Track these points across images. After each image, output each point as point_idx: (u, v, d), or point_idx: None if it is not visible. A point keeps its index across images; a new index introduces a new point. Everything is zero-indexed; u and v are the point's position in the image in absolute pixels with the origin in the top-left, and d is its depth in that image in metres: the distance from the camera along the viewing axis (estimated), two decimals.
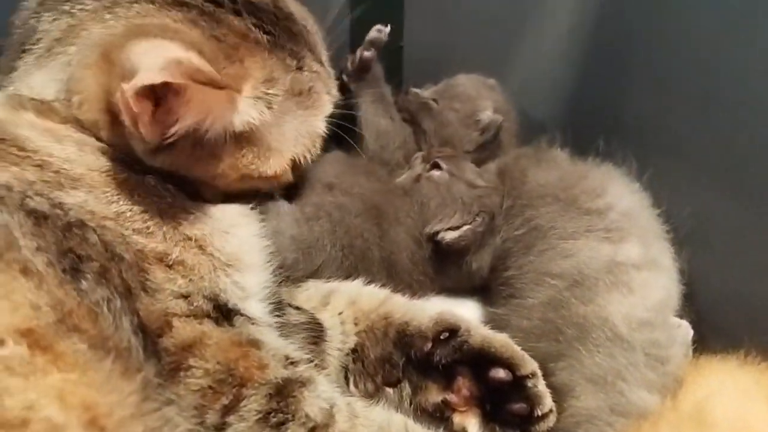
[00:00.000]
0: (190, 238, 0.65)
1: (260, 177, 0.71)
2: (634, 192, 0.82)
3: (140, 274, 0.60)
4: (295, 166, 0.74)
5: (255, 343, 0.61)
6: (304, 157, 0.74)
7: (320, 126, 0.75)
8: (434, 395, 0.70)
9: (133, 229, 0.62)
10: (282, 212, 0.79)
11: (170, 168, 0.66)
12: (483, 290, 0.87)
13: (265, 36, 0.68)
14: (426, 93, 0.99)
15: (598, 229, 0.78)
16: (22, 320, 0.48)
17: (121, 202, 0.63)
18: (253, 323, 0.64)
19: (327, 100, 0.75)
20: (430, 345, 0.70)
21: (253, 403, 0.57)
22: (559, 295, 0.75)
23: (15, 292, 0.50)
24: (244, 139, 0.68)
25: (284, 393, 0.58)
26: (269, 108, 0.67)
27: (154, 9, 0.67)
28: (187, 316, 0.60)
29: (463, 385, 0.70)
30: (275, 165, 0.71)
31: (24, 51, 0.70)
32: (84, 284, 0.55)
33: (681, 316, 0.75)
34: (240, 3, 0.68)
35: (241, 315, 0.64)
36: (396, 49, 0.99)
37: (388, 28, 0.90)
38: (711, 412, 0.62)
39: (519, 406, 0.68)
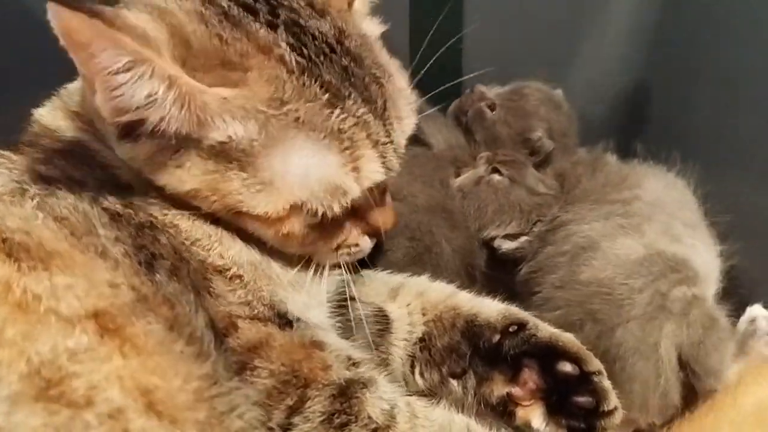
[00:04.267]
0: (250, 263, 0.66)
1: (249, 214, 0.62)
2: (670, 185, 0.83)
3: (204, 281, 0.62)
4: (297, 213, 0.63)
5: (318, 345, 0.62)
6: (314, 209, 0.62)
7: (348, 182, 0.62)
8: (499, 387, 0.71)
9: (191, 242, 0.63)
10: None
11: (136, 165, 0.62)
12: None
13: (297, 58, 0.60)
14: (491, 93, 1.00)
15: (617, 215, 0.79)
16: (98, 299, 0.52)
17: (177, 216, 0.64)
18: (315, 327, 0.65)
19: (369, 159, 0.63)
20: (498, 336, 0.71)
21: (317, 404, 0.59)
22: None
23: (94, 272, 0.54)
24: (230, 158, 0.60)
25: (347, 394, 0.60)
26: (263, 130, 0.59)
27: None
28: (251, 318, 0.62)
29: (529, 377, 0.70)
30: (267, 203, 0.61)
31: None
32: (158, 277, 0.58)
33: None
34: (281, 19, 0.62)
35: (303, 321, 0.65)
36: (456, 51, 1.00)
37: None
38: None
39: (585, 400, 0.68)
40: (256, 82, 0.59)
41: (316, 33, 0.62)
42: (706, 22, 0.89)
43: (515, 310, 0.74)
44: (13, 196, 0.58)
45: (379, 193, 0.68)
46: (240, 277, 0.64)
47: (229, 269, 0.63)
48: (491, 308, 0.74)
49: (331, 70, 0.61)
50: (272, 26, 0.61)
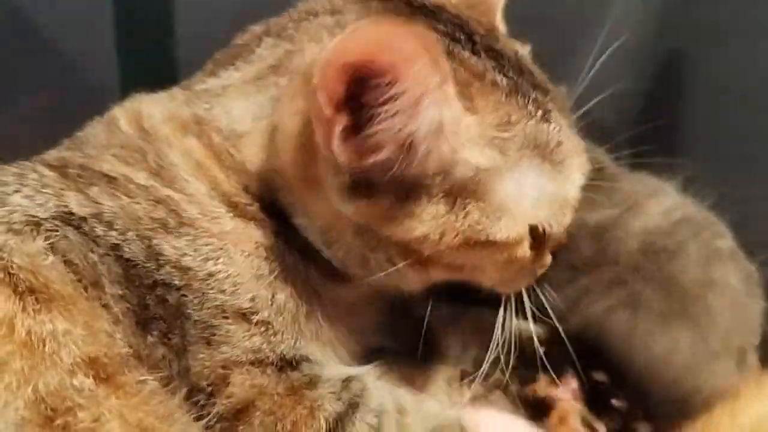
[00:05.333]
0: (290, 312, 0.62)
1: (488, 242, 0.58)
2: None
3: (206, 330, 0.59)
4: (536, 235, 0.61)
5: (311, 384, 0.61)
6: (549, 226, 0.61)
7: (570, 191, 0.61)
8: (542, 387, 0.72)
9: (219, 290, 0.59)
10: None
11: (365, 220, 0.58)
12: None
13: (504, 79, 0.58)
14: None
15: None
16: (95, 348, 0.52)
17: (219, 261, 0.60)
18: (315, 363, 0.63)
19: (576, 166, 0.62)
20: (544, 348, 0.71)
21: None
22: None
23: (94, 320, 0.54)
24: (467, 191, 0.57)
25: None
26: (501, 155, 0.56)
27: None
28: (252, 364, 0.59)
29: (571, 380, 0.72)
30: (508, 227, 0.58)
31: (230, 66, 0.66)
32: (150, 339, 0.57)
33: None
34: (480, 44, 0.60)
35: (305, 363, 0.62)
36: None
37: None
38: None
39: (620, 403, 0.70)
40: (483, 108, 0.56)
41: (508, 54, 0.62)
42: (709, 26, 0.88)
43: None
44: (29, 228, 0.56)
45: None
46: (267, 323, 0.61)
47: (256, 313, 0.60)
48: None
49: (531, 86, 0.60)
50: (476, 53, 0.59)
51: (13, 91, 0.89)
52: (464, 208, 0.57)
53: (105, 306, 0.55)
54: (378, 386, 0.64)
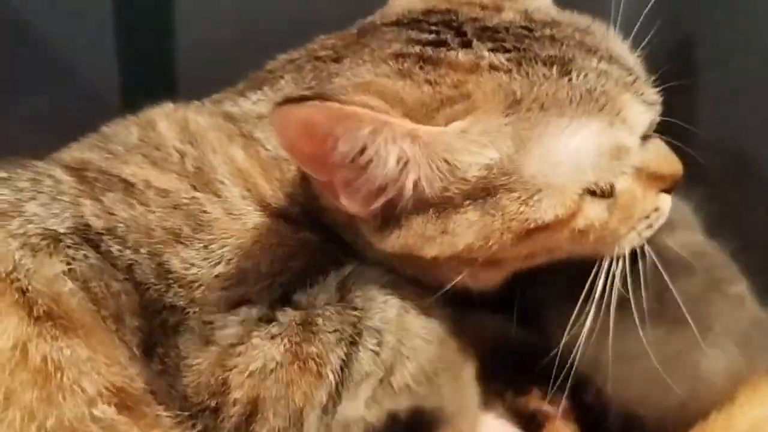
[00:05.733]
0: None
1: (541, 227, 0.56)
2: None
3: (205, 331, 0.58)
4: (589, 200, 0.57)
5: (307, 325, 0.59)
6: (605, 185, 0.57)
7: (623, 137, 0.57)
8: (535, 402, 0.70)
9: (222, 287, 0.59)
10: None
11: (407, 250, 0.58)
12: None
13: (505, 55, 0.57)
14: None
15: None
16: (117, 378, 0.51)
17: (232, 261, 0.60)
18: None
19: (630, 103, 0.57)
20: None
21: (313, 421, 0.57)
22: None
23: (115, 351, 0.53)
24: (492, 187, 0.55)
25: (341, 379, 0.57)
26: (515, 138, 0.54)
27: (365, 69, 0.60)
28: (241, 342, 0.57)
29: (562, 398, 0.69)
30: (554, 206, 0.55)
31: (258, 90, 0.68)
32: (153, 367, 0.57)
33: None
34: (470, 33, 0.60)
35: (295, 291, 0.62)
36: None
37: None
38: None
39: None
40: (481, 101, 0.55)
41: (507, 25, 0.60)
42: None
43: None
44: (45, 242, 0.55)
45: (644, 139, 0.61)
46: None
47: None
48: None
49: (542, 45, 0.58)
50: (466, 44, 0.59)
51: (12, 93, 0.89)
52: (497, 205, 0.55)
53: (123, 340, 0.55)
54: (379, 299, 0.61)
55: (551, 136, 0.55)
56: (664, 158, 0.63)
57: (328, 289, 0.61)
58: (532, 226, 0.55)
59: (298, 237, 0.62)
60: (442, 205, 0.55)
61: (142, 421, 0.50)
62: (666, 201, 0.65)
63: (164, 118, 0.67)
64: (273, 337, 0.58)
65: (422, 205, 0.55)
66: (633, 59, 0.62)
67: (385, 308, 0.60)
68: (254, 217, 0.61)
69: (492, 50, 0.58)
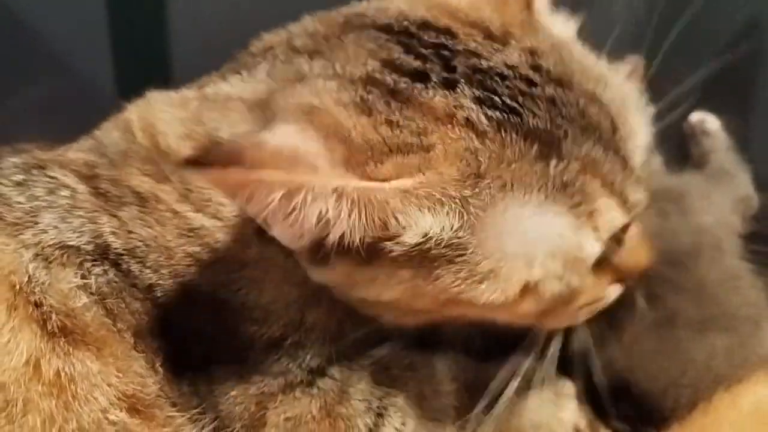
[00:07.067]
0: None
1: (471, 304, 0.51)
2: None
3: (235, 364, 0.57)
4: (532, 292, 0.52)
5: (343, 394, 0.59)
6: (550, 288, 0.52)
7: (587, 243, 0.51)
8: None
9: (250, 319, 0.57)
10: None
11: (332, 285, 0.55)
12: None
13: (487, 113, 0.49)
14: None
15: None
16: (128, 387, 0.51)
17: (252, 292, 0.57)
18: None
19: (607, 206, 0.51)
20: None
21: None
22: None
23: (131, 362, 0.53)
24: (430, 255, 0.49)
25: None
26: (464, 215, 0.48)
27: (329, 88, 0.52)
28: (283, 391, 0.57)
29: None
30: (492, 291, 0.50)
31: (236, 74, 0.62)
32: (184, 389, 0.56)
33: None
34: (459, 71, 0.51)
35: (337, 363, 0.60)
36: None
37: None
38: None
39: None
40: (440, 161, 0.48)
41: (505, 70, 0.51)
42: None
43: None
44: (60, 252, 0.53)
45: (621, 230, 0.55)
46: (297, 344, 0.58)
47: (286, 339, 0.58)
48: None
49: (535, 109, 0.50)
50: (450, 85, 0.51)
51: (6, 87, 0.89)
52: (432, 273, 0.50)
53: (141, 352, 0.54)
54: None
55: (506, 221, 0.49)
56: (633, 252, 0.58)
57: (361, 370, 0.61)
58: (465, 301, 0.51)
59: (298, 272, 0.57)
60: (374, 254, 0.49)
61: (152, 422, 0.51)
62: (615, 291, 0.61)
63: (137, 122, 0.62)
64: (312, 396, 0.58)
65: (352, 251, 0.49)
66: (642, 137, 0.55)
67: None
68: (257, 247, 0.57)
69: (476, 101, 0.50)
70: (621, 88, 0.55)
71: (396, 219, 0.47)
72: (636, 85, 0.57)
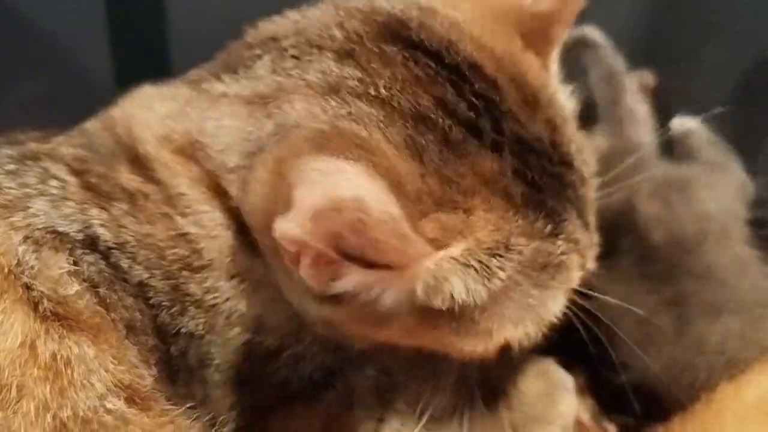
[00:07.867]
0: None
1: (451, 347, 0.54)
2: None
3: (230, 372, 0.56)
4: (507, 346, 0.55)
5: (346, 405, 0.59)
6: (523, 341, 0.54)
7: (556, 310, 0.54)
8: None
9: (244, 328, 0.55)
10: None
11: (335, 323, 0.54)
12: None
13: (522, 187, 0.49)
14: None
15: None
16: (125, 376, 0.49)
17: (242, 303, 0.56)
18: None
19: (575, 277, 0.54)
20: None
21: None
22: None
23: (125, 351, 0.50)
24: (441, 312, 0.49)
25: None
26: (486, 284, 0.48)
27: (375, 117, 0.48)
28: (281, 403, 0.57)
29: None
30: (476, 345, 0.52)
31: (232, 72, 0.58)
32: (179, 390, 0.55)
33: None
34: (506, 136, 0.50)
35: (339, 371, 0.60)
36: None
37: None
38: None
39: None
40: (480, 227, 0.47)
41: (536, 144, 0.51)
42: None
43: None
44: (50, 235, 0.51)
45: None
46: (296, 355, 0.57)
47: (285, 349, 0.57)
48: None
49: (551, 188, 0.51)
50: (498, 148, 0.49)
51: (5, 81, 0.88)
52: (433, 323, 0.50)
53: (135, 343, 0.52)
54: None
55: (516, 293, 0.50)
56: None
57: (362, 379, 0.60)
58: (449, 349, 0.54)
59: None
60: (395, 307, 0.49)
61: (150, 412, 0.49)
62: None
63: (121, 120, 0.60)
64: (313, 408, 0.58)
65: (375, 303, 0.49)
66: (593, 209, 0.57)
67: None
68: (247, 257, 0.55)
69: (513, 171, 0.49)
70: (589, 159, 0.57)
71: (440, 284, 0.47)
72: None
